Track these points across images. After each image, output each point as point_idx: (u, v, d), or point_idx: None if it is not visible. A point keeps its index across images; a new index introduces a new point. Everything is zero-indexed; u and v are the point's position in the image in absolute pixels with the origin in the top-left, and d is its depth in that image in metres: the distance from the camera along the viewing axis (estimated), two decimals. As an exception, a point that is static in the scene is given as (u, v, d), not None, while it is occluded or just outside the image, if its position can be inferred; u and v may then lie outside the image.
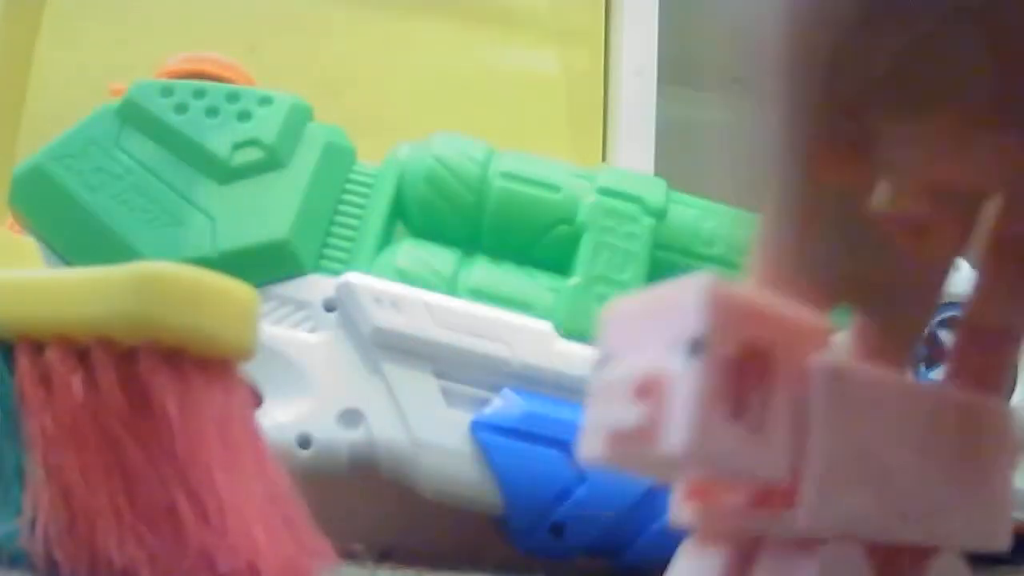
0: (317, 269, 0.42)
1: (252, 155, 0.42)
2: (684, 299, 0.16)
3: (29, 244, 0.42)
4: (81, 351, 0.26)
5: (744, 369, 0.16)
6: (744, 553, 0.18)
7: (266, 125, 0.42)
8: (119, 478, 0.25)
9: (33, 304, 0.27)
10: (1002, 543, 0.20)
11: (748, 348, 0.16)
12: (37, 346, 0.27)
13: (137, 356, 0.26)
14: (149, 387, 0.26)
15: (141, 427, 0.26)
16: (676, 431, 0.16)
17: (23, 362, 0.27)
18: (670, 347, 0.16)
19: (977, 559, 0.20)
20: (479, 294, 0.42)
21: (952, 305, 0.20)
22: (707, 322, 0.16)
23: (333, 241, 0.43)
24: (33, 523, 0.25)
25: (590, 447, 0.17)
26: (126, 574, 0.25)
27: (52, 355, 0.26)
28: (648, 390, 0.16)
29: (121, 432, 0.25)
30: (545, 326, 0.41)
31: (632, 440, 0.16)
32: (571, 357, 0.40)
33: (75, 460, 0.25)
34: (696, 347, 0.16)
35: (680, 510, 0.19)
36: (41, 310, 0.27)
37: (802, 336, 0.17)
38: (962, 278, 0.20)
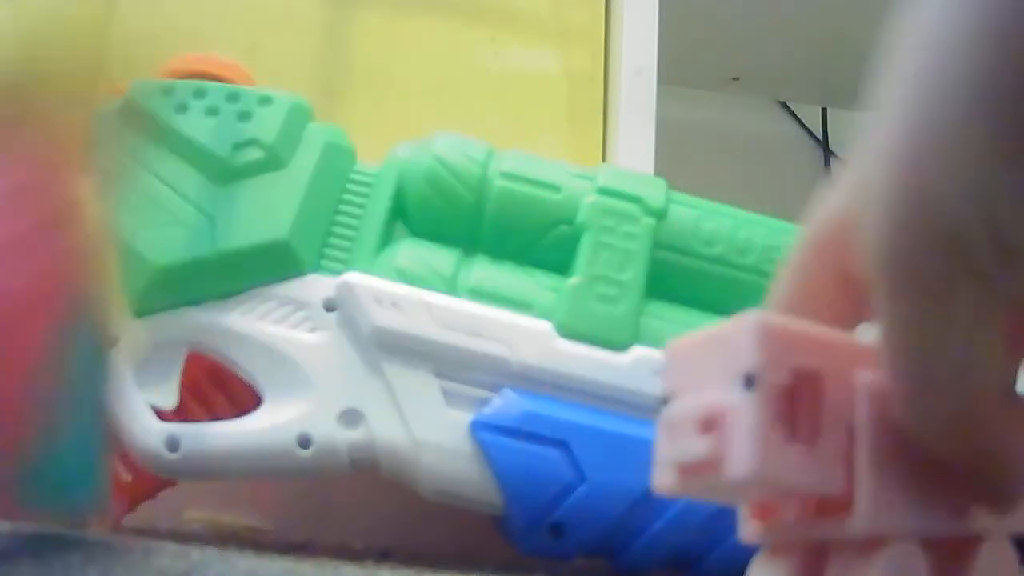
0: (317, 269, 0.42)
1: (252, 155, 0.42)
2: (737, 337, 0.18)
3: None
4: None
5: (796, 394, 0.18)
6: (811, 561, 0.20)
7: (266, 125, 0.42)
8: None
9: None
10: None
11: (798, 374, 0.18)
12: None
13: None
14: None
15: None
16: (739, 459, 0.18)
17: None
18: (728, 383, 0.18)
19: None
20: (479, 294, 0.42)
21: None
22: (758, 357, 0.18)
23: (333, 241, 0.43)
24: None
25: (662, 479, 0.19)
26: None
27: None
28: (711, 424, 0.18)
29: None
30: (545, 326, 0.41)
31: (700, 471, 0.19)
32: (571, 357, 0.40)
33: None
34: (750, 381, 0.18)
35: (747, 528, 0.21)
36: None
37: (850, 357, 0.19)
38: None
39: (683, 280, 0.43)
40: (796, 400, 0.18)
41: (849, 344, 0.19)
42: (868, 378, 0.19)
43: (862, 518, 0.18)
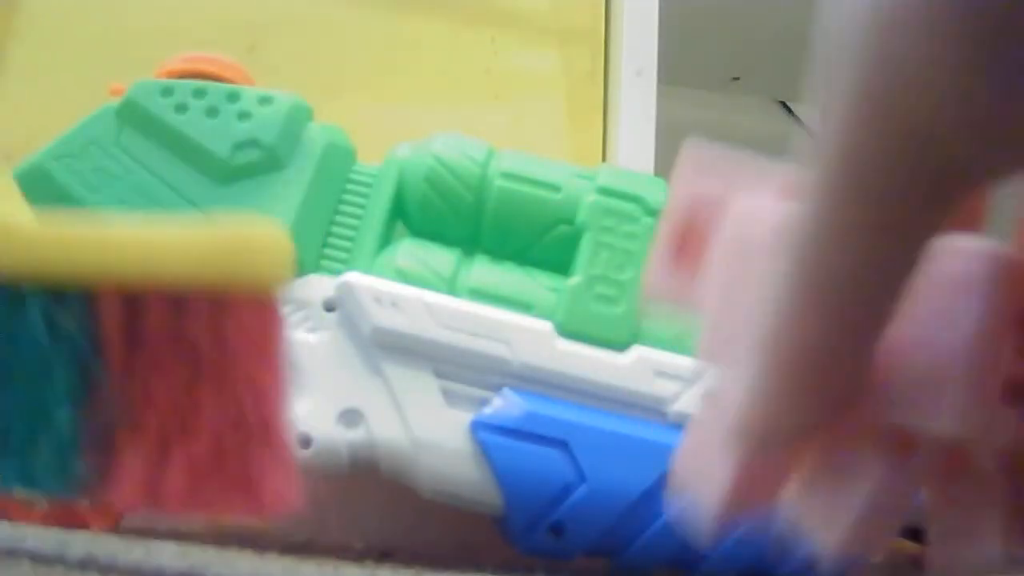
0: (317, 269, 0.42)
1: (252, 155, 0.42)
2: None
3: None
4: (174, 301, 0.28)
5: None
6: None
7: (266, 125, 0.42)
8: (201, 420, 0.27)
9: (134, 257, 0.28)
10: None
11: None
12: (127, 297, 0.28)
13: (225, 304, 0.28)
14: (235, 333, 0.28)
15: (222, 369, 0.28)
16: None
17: (110, 312, 0.28)
18: None
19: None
20: (479, 294, 0.42)
21: None
22: None
23: (333, 241, 0.43)
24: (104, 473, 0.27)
25: None
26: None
27: (149, 306, 0.28)
28: None
29: (206, 373, 0.28)
30: (545, 326, 0.41)
31: None
32: (571, 357, 0.40)
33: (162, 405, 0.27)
34: None
35: None
36: (141, 263, 0.28)
37: None
38: None
39: (683, 280, 0.43)
40: None
41: None
42: None
43: None
